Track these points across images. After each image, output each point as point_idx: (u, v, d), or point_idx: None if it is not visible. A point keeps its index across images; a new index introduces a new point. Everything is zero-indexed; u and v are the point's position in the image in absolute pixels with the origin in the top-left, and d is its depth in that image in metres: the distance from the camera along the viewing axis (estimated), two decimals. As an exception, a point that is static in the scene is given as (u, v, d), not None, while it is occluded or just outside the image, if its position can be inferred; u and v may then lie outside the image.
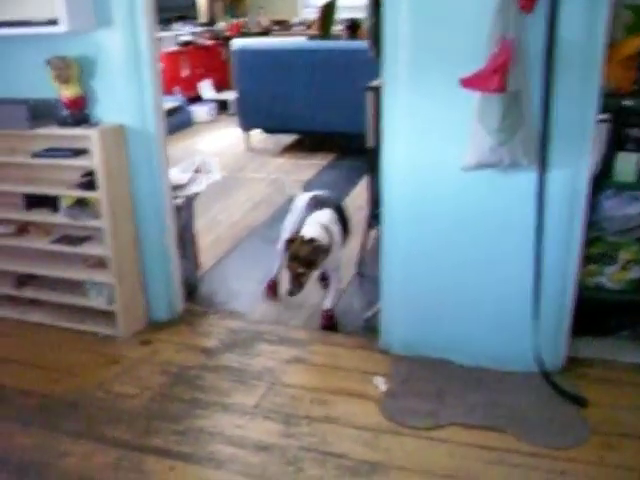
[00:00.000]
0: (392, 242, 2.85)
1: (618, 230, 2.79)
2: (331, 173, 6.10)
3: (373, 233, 3.86)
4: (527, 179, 2.51)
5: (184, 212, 3.53)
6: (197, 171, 3.75)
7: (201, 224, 4.36)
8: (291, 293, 3.07)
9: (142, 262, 3.28)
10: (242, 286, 3.70)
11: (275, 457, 2.39)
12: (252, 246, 4.36)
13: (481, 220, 2.66)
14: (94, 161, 2.93)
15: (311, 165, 6.37)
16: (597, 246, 2.80)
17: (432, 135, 2.62)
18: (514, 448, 2.37)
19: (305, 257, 2.99)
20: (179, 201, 3.45)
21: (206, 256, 4.07)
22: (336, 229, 3.23)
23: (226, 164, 6.23)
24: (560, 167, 2.48)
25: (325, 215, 3.25)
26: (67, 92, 2.95)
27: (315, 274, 3.27)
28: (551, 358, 2.73)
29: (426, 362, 2.89)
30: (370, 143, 3.94)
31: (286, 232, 3.38)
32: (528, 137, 2.40)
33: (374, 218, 3.65)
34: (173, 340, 3.22)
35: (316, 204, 3.36)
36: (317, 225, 3.14)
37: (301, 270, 3.00)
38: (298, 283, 3.03)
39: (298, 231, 3.14)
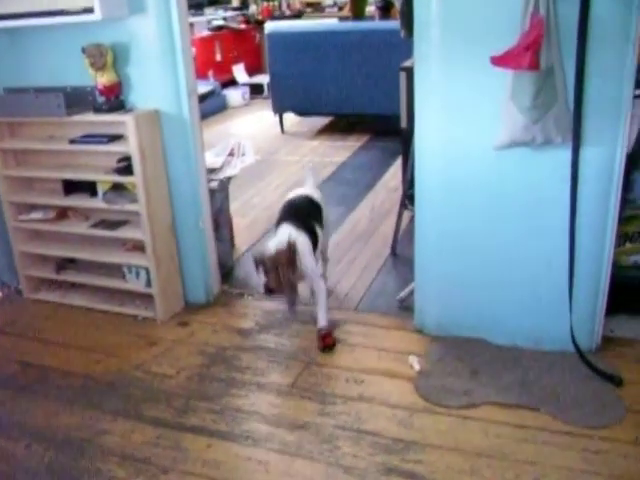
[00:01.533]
0: (425, 222, 2.84)
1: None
2: (365, 155, 6.10)
3: (407, 214, 3.86)
4: (561, 157, 2.48)
5: (219, 195, 3.57)
6: (231, 154, 3.79)
7: (236, 207, 4.41)
8: (292, 303, 2.93)
9: (178, 245, 3.34)
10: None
11: (311, 435, 2.42)
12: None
13: (514, 199, 2.64)
14: (130, 146, 2.98)
15: (345, 147, 6.38)
16: (633, 224, 2.76)
17: (464, 114, 2.60)
18: (549, 427, 2.37)
19: (286, 261, 2.80)
20: (214, 184, 3.49)
21: (241, 239, 4.12)
22: (300, 238, 2.94)
23: (260, 147, 6.27)
24: (594, 144, 2.45)
25: (283, 230, 2.98)
26: (102, 79, 3.00)
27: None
28: (587, 337, 2.72)
29: (461, 341, 2.89)
30: (403, 124, 3.94)
31: None
32: (561, 114, 2.37)
33: (408, 199, 3.66)
34: (210, 321, 3.27)
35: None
36: (274, 241, 2.91)
37: (290, 274, 2.81)
38: (291, 287, 2.86)
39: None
